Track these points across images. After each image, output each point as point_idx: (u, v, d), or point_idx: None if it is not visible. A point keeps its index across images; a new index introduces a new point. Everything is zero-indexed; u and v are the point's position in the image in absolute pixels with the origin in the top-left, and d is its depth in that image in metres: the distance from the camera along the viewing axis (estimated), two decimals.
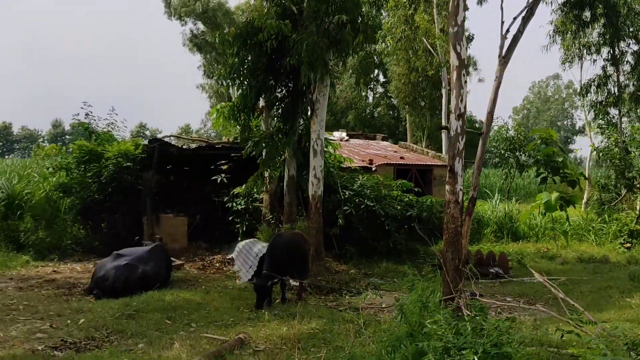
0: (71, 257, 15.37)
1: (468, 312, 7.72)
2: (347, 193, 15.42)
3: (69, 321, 8.70)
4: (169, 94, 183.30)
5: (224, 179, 16.99)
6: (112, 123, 18.93)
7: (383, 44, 37.70)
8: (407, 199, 16.48)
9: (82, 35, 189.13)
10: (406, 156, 22.34)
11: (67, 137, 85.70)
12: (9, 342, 7.54)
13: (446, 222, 10.07)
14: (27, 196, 17.81)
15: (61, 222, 16.31)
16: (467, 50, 10.15)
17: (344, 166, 17.16)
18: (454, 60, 10.03)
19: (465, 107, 10.07)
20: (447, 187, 10.08)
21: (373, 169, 19.12)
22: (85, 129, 18.26)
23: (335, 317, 9.30)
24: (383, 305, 10.69)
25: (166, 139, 17.85)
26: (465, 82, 10.12)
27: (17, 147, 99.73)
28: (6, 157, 47.38)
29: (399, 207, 15.88)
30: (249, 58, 13.95)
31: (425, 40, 33.35)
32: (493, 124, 16.42)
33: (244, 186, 16.28)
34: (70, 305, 9.92)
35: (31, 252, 15.02)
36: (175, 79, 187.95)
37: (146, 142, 17.48)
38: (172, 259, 13.30)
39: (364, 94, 51.62)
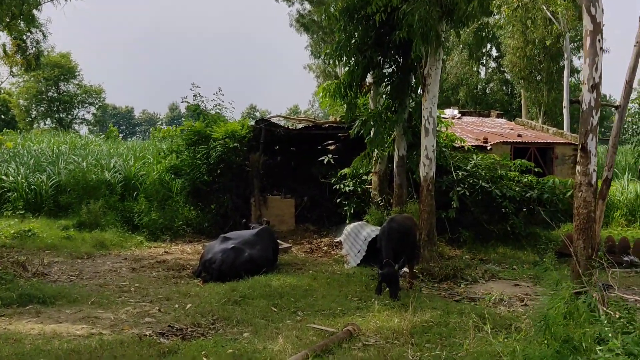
0: (182, 238, 15.62)
1: (605, 309, 6.78)
2: (460, 174, 14.56)
3: (176, 305, 8.63)
4: (278, 76, 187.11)
5: (331, 160, 16.65)
6: (219, 104, 18.82)
7: (497, 16, 35.97)
8: (526, 179, 15.36)
9: (199, 24, 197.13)
10: (524, 134, 20.99)
11: (182, 119, 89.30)
12: (119, 326, 7.51)
13: (577, 206, 9.09)
14: (141, 178, 18.36)
15: (173, 204, 16.59)
16: (602, 13, 8.93)
17: (457, 145, 16.22)
18: (587, 25, 8.97)
19: (600, 77, 8.98)
20: (577, 167, 9.09)
21: (488, 147, 18.05)
22: (194, 110, 18.35)
23: (451, 308, 8.57)
24: (502, 297, 9.83)
25: (273, 120, 17.64)
26: (601, 48, 9.01)
27: (139, 130, 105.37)
28: (128, 139, 49.90)
29: (517, 189, 14.82)
30: (356, 33, 13.33)
31: (544, 8, 31.25)
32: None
33: (351, 167, 15.79)
34: (179, 288, 9.91)
35: (145, 233, 15.41)
36: (284, 61, 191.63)
37: (253, 122, 17.29)
38: (279, 241, 13.09)
39: (475, 69, 49.59)
